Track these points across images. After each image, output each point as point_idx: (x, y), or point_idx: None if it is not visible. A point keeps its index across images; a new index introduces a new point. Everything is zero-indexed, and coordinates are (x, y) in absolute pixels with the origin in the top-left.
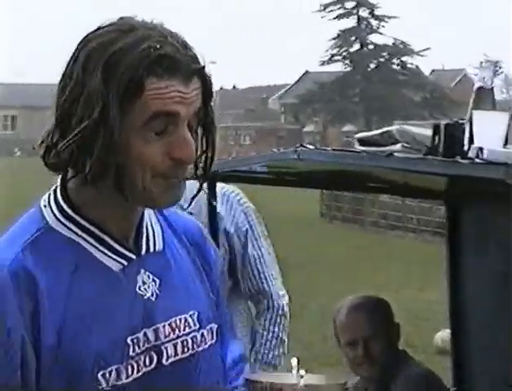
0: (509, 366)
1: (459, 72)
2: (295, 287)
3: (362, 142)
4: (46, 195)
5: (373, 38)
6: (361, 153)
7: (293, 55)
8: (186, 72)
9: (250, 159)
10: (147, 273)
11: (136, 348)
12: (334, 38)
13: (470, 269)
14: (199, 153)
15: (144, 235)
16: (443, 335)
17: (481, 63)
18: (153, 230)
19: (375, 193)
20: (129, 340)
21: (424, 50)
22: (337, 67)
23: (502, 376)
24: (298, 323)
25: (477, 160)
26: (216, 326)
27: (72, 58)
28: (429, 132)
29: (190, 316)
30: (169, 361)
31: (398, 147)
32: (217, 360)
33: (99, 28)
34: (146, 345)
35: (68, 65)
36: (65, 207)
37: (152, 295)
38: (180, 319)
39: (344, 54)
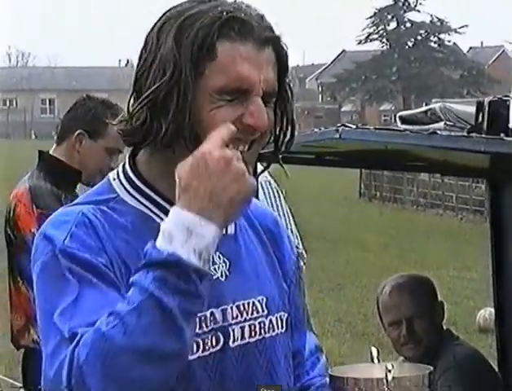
0: None
1: (497, 49)
2: (334, 266)
3: (404, 120)
4: (115, 170)
5: (410, 16)
6: (404, 132)
7: (330, 34)
8: (259, 38)
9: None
10: (218, 253)
11: (204, 326)
12: (371, 17)
13: None
14: (277, 130)
15: None
16: (485, 313)
17: None
18: None
19: (416, 172)
20: (198, 316)
21: (461, 27)
22: (375, 45)
23: None
24: (338, 303)
25: None
26: (286, 315)
27: (150, 29)
28: (472, 109)
29: (258, 301)
30: (236, 344)
31: (441, 125)
32: (285, 350)
33: (180, 3)
34: (213, 325)
35: (146, 36)
36: (135, 179)
37: (222, 275)
38: (248, 303)
39: (381, 32)
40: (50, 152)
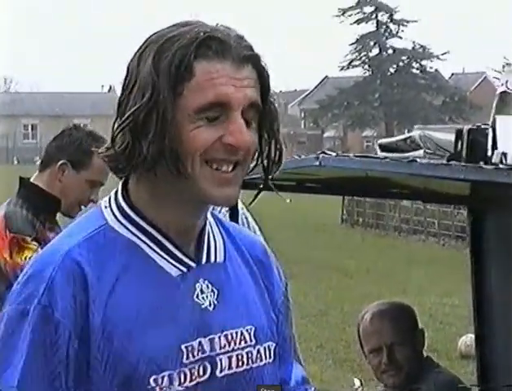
0: None
1: (479, 76)
2: (316, 292)
3: (383, 147)
4: (107, 197)
5: (393, 42)
6: (384, 159)
7: (313, 60)
8: (237, 56)
9: None
10: (206, 282)
11: (190, 356)
12: (353, 43)
13: (494, 274)
14: (265, 152)
15: (206, 245)
16: (467, 339)
17: (503, 66)
18: (215, 241)
19: (397, 199)
20: (183, 347)
21: (443, 53)
22: (357, 72)
23: None
24: (321, 329)
25: (501, 166)
26: (275, 345)
27: (133, 55)
28: (451, 137)
29: (246, 330)
30: (223, 373)
31: (420, 152)
32: (272, 381)
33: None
34: (200, 355)
35: (129, 62)
36: (125, 207)
37: (210, 305)
38: (236, 332)
39: (363, 58)
40: (32, 179)
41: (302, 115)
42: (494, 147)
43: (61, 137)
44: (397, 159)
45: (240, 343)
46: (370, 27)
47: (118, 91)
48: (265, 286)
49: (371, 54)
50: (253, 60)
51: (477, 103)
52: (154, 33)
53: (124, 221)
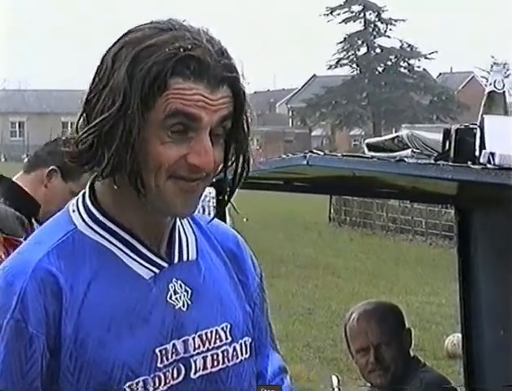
0: None
1: (467, 75)
2: (304, 291)
3: (371, 147)
4: (75, 200)
5: (380, 42)
6: (371, 159)
7: (301, 59)
8: (214, 78)
9: (259, 165)
10: (179, 282)
11: (164, 359)
12: (341, 42)
13: (482, 274)
14: (225, 164)
15: (177, 243)
16: (454, 339)
17: (491, 66)
18: (187, 238)
19: (384, 198)
20: (157, 351)
21: (431, 53)
22: (345, 71)
23: None
24: (307, 328)
25: (488, 166)
26: (250, 340)
27: (107, 50)
28: (439, 137)
29: (222, 329)
30: (198, 374)
31: (408, 152)
32: (249, 376)
33: (142, 24)
34: (174, 357)
35: (102, 57)
36: (94, 210)
37: (184, 305)
38: (211, 332)
39: (351, 57)
40: (15, 178)
41: (290, 113)
42: (482, 146)
43: (55, 144)
44: (385, 158)
45: (215, 342)
46: (358, 26)
47: (89, 84)
48: (239, 279)
49: (359, 53)
50: (231, 81)
51: (464, 102)
52: (133, 30)
53: (92, 224)
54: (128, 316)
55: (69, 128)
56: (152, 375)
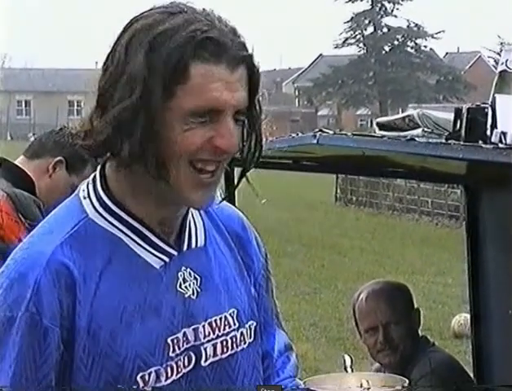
0: None
1: (474, 55)
2: (310, 271)
3: (381, 126)
4: (85, 186)
5: (387, 21)
6: (382, 138)
7: (308, 39)
8: (232, 58)
9: (268, 144)
10: (189, 270)
11: (176, 348)
12: (348, 21)
13: (490, 254)
14: (242, 146)
15: (187, 231)
16: (460, 319)
17: (501, 45)
18: (195, 225)
19: (393, 178)
20: (169, 341)
21: (438, 32)
22: (352, 50)
23: None
24: (313, 308)
25: (500, 145)
26: (255, 323)
27: (117, 39)
28: (450, 116)
29: (230, 315)
30: (208, 362)
31: (419, 131)
32: (256, 359)
33: (147, 10)
34: (185, 346)
35: (112, 47)
36: (105, 199)
37: (193, 293)
38: (220, 318)
39: (358, 37)
40: (16, 163)
41: (297, 93)
42: (493, 126)
43: (61, 134)
44: (395, 138)
45: (224, 329)
46: (365, 5)
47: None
48: (244, 262)
49: (366, 33)
50: (247, 61)
51: (471, 82)
52: (141, 16)
53: (104, 212)
54: (139, 307)
55: (75, 106)
56: (164, 365)
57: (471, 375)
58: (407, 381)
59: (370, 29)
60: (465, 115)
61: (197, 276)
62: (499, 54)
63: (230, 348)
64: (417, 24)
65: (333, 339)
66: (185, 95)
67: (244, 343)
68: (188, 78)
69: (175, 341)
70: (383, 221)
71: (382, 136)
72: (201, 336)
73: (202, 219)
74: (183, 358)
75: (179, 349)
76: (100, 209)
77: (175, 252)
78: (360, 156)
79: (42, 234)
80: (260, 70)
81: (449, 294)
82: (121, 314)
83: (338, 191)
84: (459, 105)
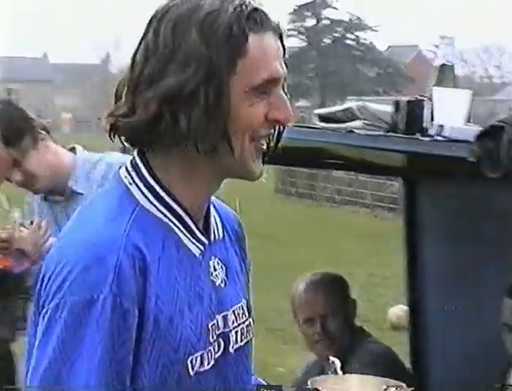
0: (467, 343)
1: (414, 49)
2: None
3: (322, 118)
4: (125, 172)
5: (329, 13)
6: (322, 129)
7: None
8: (274, 28)
9: None
10: (217, 259)
11: (214, 334)
12: (290, 13)
13: (428, 246)
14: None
15: (212, 221)
16: (397, 310)
17: (442, 39)
18: (215, 218)
19: (332, 169)
20: (210, 326)
21: (378, 25)
22: (293, 42)
23: (458, 353)
24: (253, 298)
25: (438, 138)
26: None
27: (148, 33)
28: (390, 109)
29: (243, 304)
30: (234, 348)
31: (358, 123)
32: (252, 353)
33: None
34: (217, 332)
35: (142, 42)
36: (154, 184)
37: (222, 282)
38: (239, 307)
39: (300, 29)
40: None
41: None
42: (432, 119)
43: None
44: (335, 129)
45: (242, 317)
46: None
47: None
48: (242, 257)
49: (307, 25)
50: (280, 30)
51: (411, 75)
52: (171, 6)
53: (153, 199)
54: (188, 293)
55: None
56: (206, 350)
57: (408, 366)
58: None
59: (312, 21)
60: (404, 108)
61: (223, 266)
62: (437, 46)
63: (246, 335)
64: (358, 17)
65: (272, 329)
66: (246, 69)
67: (252, 332)
68: (247, 51)
69: (214, 327)
70: (322, 213)
71: (323, 128)
72: (230, 323)
73: (217, 213)
74: (217, 344)
75: (216, 335)
76: (150, 196)
77: (207, 242)
78: (300, 148)
79: (104, 220)
80: None
81: (387, 286)
82: (176, 299)
83: (278, 182)
84: (398, 98)
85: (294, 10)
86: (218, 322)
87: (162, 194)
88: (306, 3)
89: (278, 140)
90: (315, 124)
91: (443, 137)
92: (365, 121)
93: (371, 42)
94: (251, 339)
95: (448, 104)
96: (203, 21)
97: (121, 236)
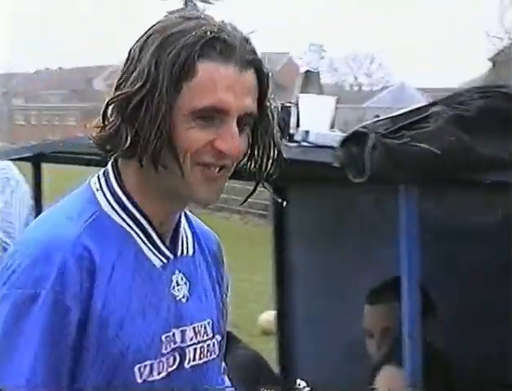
0: (333, 347)
1: (284, 56)
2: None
3: None
4: (96, 179)
5: None
6: None
7: (120, 38)
8: (240, 60)
9: (76, 140)
10: (181, 274)
11: (168, 346)
12: None
13: (295, 252)
14: (252, 152)
15: (180, 237)
16: (267, 316)
17: (309, 46)
18: (186, 234)
19: None
20: (163, 338)
21: (249, 33)
22: None
23: (328, 358)
24: None
25: (304, 144)
26: (220, 338)
27: (135, 43)
28: None
29: (208, 323)
30: (190, 364)
31: None
32: (218, 372)
33: (167, 15)
34: (173, 345)
35: (130, 49)
36: (119, 192)
37: (183, 297)
38: (201, 325)
39: None
40: None
41: (108, 90)
42: (297, 125)
43: None
44: None
45: (203, 336)
46: (178, 4)
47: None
48: (217, 281)
49: None
50: (256, 65)
51: (282, 83)
52: (159, 21)
53: (116, 206)
54: (143, 301)
55: None
56: (157, 360)
57: (277, 371)
58: None
59: None
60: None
61: (188, 282)
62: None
63: (205, 355)
64: (230, 24)
65: None
66: (190, 93)
67: (214, 353)
68: (194, 75)
69: (168, 339)
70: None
71: None
72: (187, 339)
73: (191, 230)
74: (170, 357)
75: (170, 347)
76: (113, 203)
77: (171, 256)
78: None
79: (59, 219)
80: (72, 67)
81: (258, 292)
82: (128, 305)
83: None
84: None
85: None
86: (174, 335)
87: (126, 202)
88: (177, 10)
89: (260, 169)
90: None
91: (309, 142)
92: None
93: None
94: (213, 359)
95: (314, 111)
96: (163, 41)
97: (73, 236)
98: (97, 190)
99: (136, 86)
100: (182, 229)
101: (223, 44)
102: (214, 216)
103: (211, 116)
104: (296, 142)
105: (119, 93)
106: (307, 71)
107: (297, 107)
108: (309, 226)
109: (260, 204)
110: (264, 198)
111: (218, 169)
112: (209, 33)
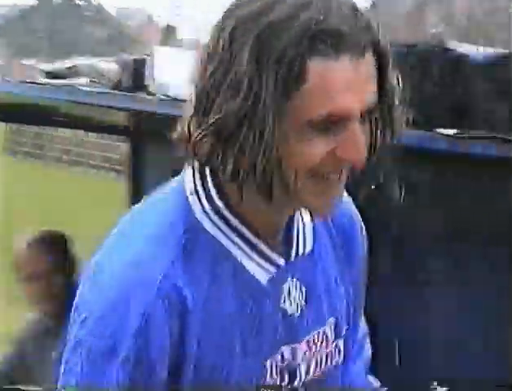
0: None
1: (141, 11)
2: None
3: (47, 74)
4: (190, 179)
5: None
6: (44, 85)
7: None
8: (356, 47)
9: None
10: (295, 280)
11: (273, 372)
12: None
13: None
14: (371, 144)
15: (295, 234)
16: None
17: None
18: (304, 226)
19: (59, 127)
20: (267, 364)
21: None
22: (22, 0)
23: None
24: None
25: (161, 96)
26: (346, 328)
27: (218, 30)
28: (116, 67)
29: (329, 327)
30: (301, 382)
31: (84, 80)
32: (339, 376)
33: None
34: (280, 365)
35: (212, 39)
36: (216, 198)
37: (297, 309)
38: (319, 333)
39: None
40: None
41: None
42: (154, 77)
43: None
44: (57, 85)
45: (321, 345)
46: None
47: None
48: (345, 260)
49: None
50: (374, 44)
51: (139, 38)
52: (242, 4)
53: (212, 214)
54: (242, 329)
55: None
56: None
57: None
58: None
59: None
60: (129, 66)
61: (304, 287)
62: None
63: (323, 365)
64: None
65: None
66: (301, 101)
67: (338, 357)
68: (306, 79)
69: (273, 363)
70: (50, 174)
71: (45, 83)
72: (299, 357)
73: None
74: (278, 378)
75: (276, 370)
76: (209, 210)
77: (283, 261)
78: (25, 104)
79: (150, 242)
80: None
81: None
82: (225, 344)
83: (7, 141)
84: (124, 57)
85: None
86: (282, 355)
87: (224, 210)
88: None
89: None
90: (40, 80)
91: (166, 95)
92: (91, 79)
93: (99, 4)
94: (335, 366)
95: (171, 63)
96: (259, 37)
97: (159, 273)
98: (191, 193)
99: (237, 102)
100: (296, 222)
101: (334, 35)
102: (71, 171)
103: (330, 121)
104: (153, 94)
105: (209, 106)
106: (167, 25)
107: (154, 60)
108: (166, 181)
109: (117, 159)
110: (122, 152)
111: (337, 175)
112: (314, 24)
